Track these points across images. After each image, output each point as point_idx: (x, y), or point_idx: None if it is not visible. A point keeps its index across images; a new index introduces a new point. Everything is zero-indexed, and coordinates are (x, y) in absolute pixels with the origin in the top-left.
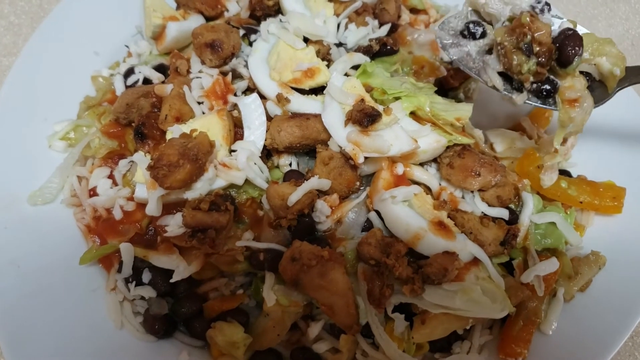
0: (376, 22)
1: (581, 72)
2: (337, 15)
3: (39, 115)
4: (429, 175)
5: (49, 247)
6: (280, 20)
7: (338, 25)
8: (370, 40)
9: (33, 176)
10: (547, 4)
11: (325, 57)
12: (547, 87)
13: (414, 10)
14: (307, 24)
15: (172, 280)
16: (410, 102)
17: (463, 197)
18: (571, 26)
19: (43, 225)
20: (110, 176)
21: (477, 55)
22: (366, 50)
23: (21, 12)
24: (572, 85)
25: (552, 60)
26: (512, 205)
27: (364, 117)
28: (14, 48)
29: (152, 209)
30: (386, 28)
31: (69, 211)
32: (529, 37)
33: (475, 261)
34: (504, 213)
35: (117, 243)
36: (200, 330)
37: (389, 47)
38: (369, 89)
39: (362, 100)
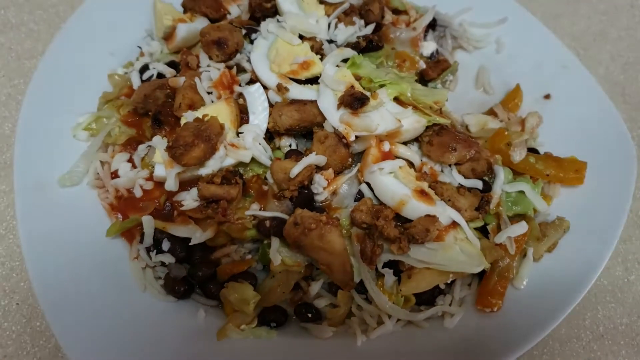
0: (362, 22)
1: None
2: (328, 15)
3: (62, 110)
4: (411, 152)
5: (77, 223)
6: (278, 20)
7: (329, 25)
8: (358, 37)
9: (61, 163)
10: None
11: (319, 51)
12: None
13: (396, 11)
14: (302, 23)
15: (190, 244)
16: (393, 89)
17: (442, 171)
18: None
19: (72, 204)
20: (130, 160)
21: None
22: (354, 47)
23: (39, 20)
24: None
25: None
26: (485, 178)
27: (354, 101)
28: (35, 52)
29: (171, 185)
30: (371, 27)
31: (93, 192)
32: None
33: (454, 224)
34: (478, 184)
35: (138, 217)
36: (214, 291)
37: (374, 44)
38: (357, 78)
39: (352, 87)
